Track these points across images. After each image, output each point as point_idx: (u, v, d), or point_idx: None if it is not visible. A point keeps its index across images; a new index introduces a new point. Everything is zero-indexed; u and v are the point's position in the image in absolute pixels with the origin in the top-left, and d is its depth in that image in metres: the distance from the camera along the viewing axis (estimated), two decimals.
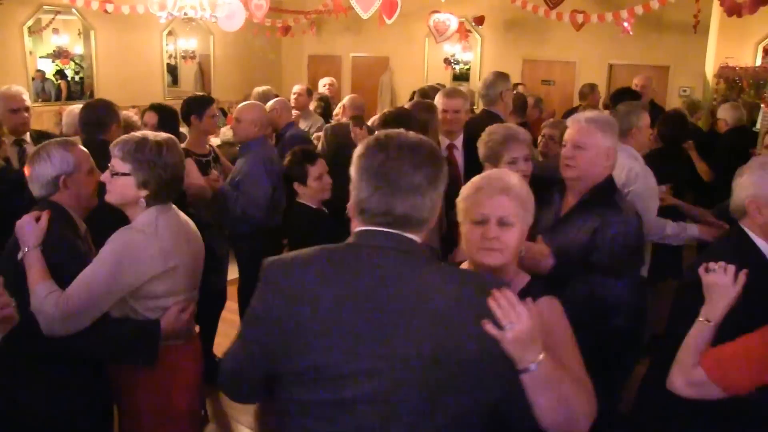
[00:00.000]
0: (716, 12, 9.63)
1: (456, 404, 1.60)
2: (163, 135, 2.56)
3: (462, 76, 13.38)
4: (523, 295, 1.76)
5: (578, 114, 3.08)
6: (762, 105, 6.76)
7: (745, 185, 2.39)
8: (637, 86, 7.20)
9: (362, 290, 1.60)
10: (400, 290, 1.59)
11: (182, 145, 4.70)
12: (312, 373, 1.61)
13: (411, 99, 5.91)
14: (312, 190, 3.68)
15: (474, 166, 3.98)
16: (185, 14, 8.65)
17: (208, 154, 4.72)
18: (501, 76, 5.13)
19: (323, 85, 8.34)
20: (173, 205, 2.66)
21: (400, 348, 1.56)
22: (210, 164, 4.65)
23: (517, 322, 1.60)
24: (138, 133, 2.54)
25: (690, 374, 2.08)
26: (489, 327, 1.59)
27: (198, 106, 4.62)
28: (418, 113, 4.12)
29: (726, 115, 6.59)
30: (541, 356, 1.65)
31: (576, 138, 2.94)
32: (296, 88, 7.40)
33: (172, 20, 10.00)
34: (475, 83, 12.43)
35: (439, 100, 4.44)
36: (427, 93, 5.58)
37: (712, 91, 9.90)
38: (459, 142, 4.36)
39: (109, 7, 9.76)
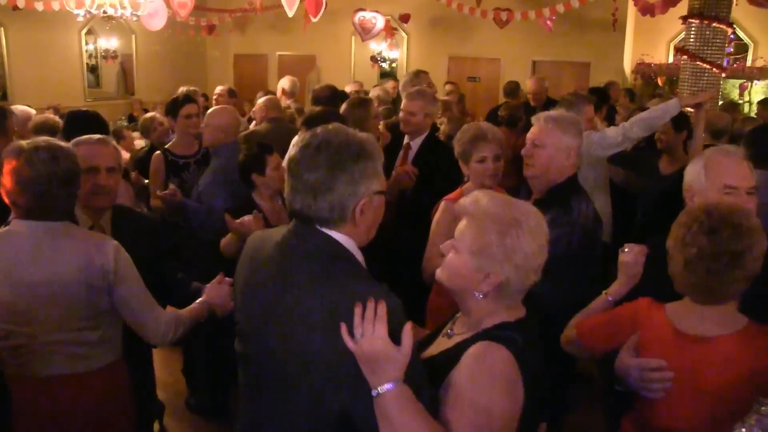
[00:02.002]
0: (632, 11, 10.00)
1: (306, 393, 1.65)
2: (34, 141, 2.34)
3: (389, 74, 13.45)
4: (481, 335, 1.72)
5: (541, 113, 3.07)
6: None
7: (685, 175, 2.45)
8: (529, 94, 7.30)
9: (259, 267, 1.81)
10: (277, 278, 1.72)
11: (167, 146, 4.64)
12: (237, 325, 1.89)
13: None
14: (270, 180, 3.68)
15: (427, 168, 3.99)
16: (104, 12, 8.39)
17: (193, 155, 4.62)
18: (416, 75, 5.23)
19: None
20: (45, 228, 2.35)
21: (264, 328, 1.74)
22: (189, 167, 4.54)
23: (368, 337, 1.54)
24: (28, 141, 2.36)
25: (568, 333, 2.31)
26: (344, 331, 1.56)
27: (172, 106, 4.60)
28: (348, 110, 4.18)
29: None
30: (384, 387, 1.55)
31: (535, 136, 2.93)
32: (218, 89, 7.35)
33: (90, 18, 9.71)
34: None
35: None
36: (318, 94, 5.56)
37: (631, 87, 10.29)
38: (416, 142, 4.33)
39: (20, 3, 9.29)
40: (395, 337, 1.56)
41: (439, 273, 1.86)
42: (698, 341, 1.97)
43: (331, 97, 5.45)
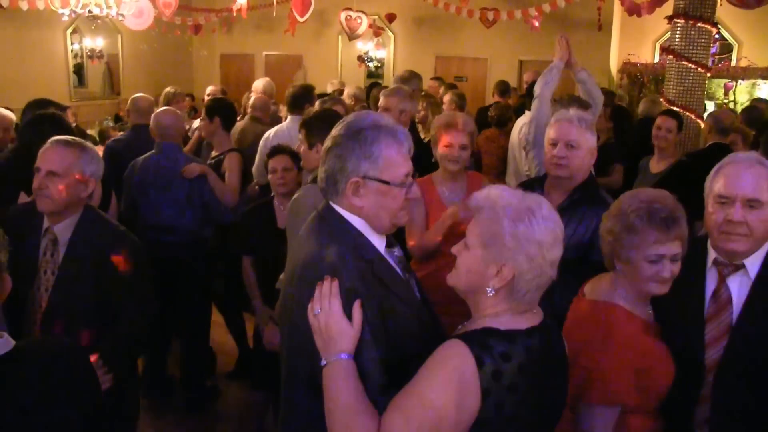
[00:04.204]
0: (617, 11, 10.06)
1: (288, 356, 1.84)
2: None
3: (376, 74, 13.44)
4: (462, 335, 1.67)
5: (566, 112, 2.96)
6: (661, 99, 7.11)
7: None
8: (527, 83, 7.42)
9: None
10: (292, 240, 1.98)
11: None
12: None
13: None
14: (272, 183, 3.89)
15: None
16: (89, 12, 8.31)
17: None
18: (407, 78, 5.40)
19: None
20: None
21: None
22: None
23: (324, 312, 1.66)
24: None
25: None
26: (309, 308, 1.70)
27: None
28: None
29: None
30: (330, 359, 1.65)
31: (569, 137, 2.87)
32: (209, 89, 7.28)
33: (75, 18, 9.59)
34: (389, 80, 12.53)
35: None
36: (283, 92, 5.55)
37: (617, 87, 10.34)
38: None
39: (4, 2, 9.12)
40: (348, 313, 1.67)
41: (450, 278, 1.79)
42: (575, 300, 2.25)
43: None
